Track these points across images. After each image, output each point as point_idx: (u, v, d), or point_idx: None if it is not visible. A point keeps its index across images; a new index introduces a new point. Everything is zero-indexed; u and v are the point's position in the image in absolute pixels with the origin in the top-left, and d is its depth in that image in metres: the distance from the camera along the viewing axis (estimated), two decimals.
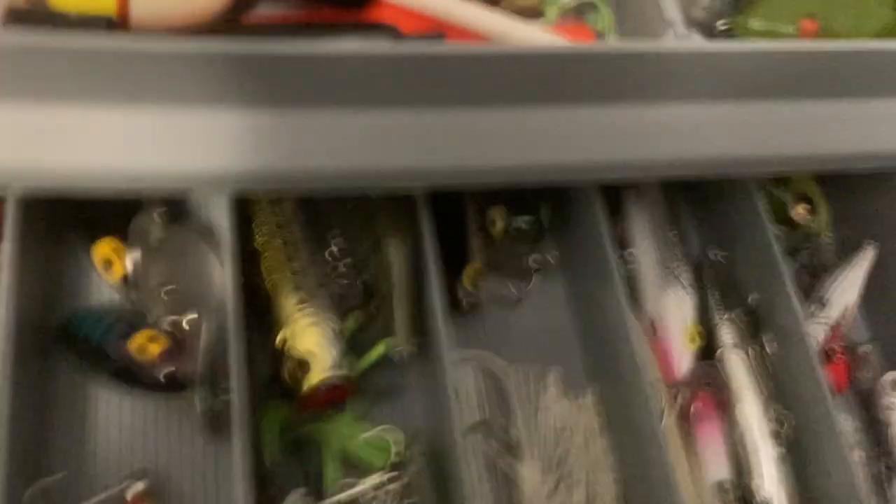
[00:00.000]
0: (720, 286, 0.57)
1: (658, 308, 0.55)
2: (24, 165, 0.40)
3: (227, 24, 0.44)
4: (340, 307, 0.52)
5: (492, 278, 0.59)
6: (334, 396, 0.50)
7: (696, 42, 0.44)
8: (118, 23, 0.38)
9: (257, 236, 0.53)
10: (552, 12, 0.49)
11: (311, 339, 0.49)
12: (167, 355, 0.47)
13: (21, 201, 0.46)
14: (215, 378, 0.47)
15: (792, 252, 0.61)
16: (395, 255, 0.53)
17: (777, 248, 0.54)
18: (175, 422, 0.50)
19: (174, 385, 0.47)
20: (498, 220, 0.57)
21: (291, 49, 0.38)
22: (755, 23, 0.49)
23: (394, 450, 0.48)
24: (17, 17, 0.38)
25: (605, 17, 0.49)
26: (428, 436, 0.51)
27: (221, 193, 0.49)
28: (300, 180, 0.44)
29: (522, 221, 0.57)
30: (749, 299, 0.56)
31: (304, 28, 0.43)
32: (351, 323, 0.52)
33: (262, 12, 0.46)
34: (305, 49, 0.39)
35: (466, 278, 0.55)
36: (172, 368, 0.47)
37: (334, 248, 0.55)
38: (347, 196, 0.55)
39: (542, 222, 0.57)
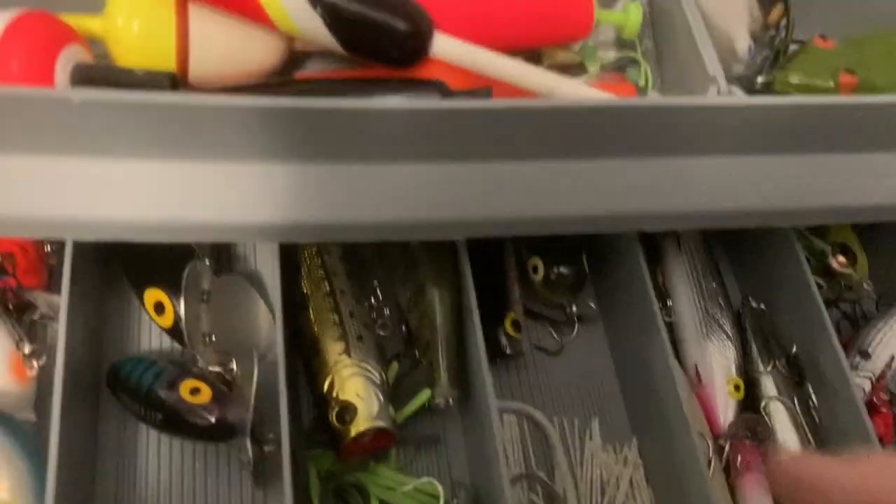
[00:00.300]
0: (762, 336, 0.57)
1: (700, 358, 0.55)
2: (82, 217, 0.42)
3: (280, 80, 0.46)
4: (383, 355, 0.53)
5: (533, 326, 0.59)
6: (377, 445, 0.50)
7: (739, 97, 0.45)
8: (179, 79, 0.39)
9: (303, 283, 0.53)
10: (594, 67, 0.51)
11: (355, 388, 0.49)
12: (215, 402, 0.47)
13: (76, 251, 0.48)
14: (261, 424, 0.48)
15: (832, 302, 0.61)
16: (438, 304, 0.54)
17: (819, 298, 0.53)
18: (222, 468, 0.51)
19: (222, 432, 0.47)
20: (539, 267, 0.58)
21: (340, 105, 0.40)
22: (794, 77, 0.50)
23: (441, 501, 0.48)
24: (85, 74, 0.40)
25: (645, 73, 0.50)
26: (471, 486, 0.51)
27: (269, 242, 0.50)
28: (347, 231, 0.45)
29: (563, 269, 0.57)
30: (792, 349, 0.56)
31: (355, 84, 0.44)
32: (393, 371, 0.53)
33: (314, 70, 0.48)
34: (355, 105, 0.40)
35: (508, 325, 0.55)
36: (221, 415, 0.47)
37: (377, 296, 0.56)
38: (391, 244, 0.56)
39: (583, 270, 0.57)
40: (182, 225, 0.42)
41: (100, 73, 0.40)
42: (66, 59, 0.40)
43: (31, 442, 0.46)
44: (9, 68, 0.38)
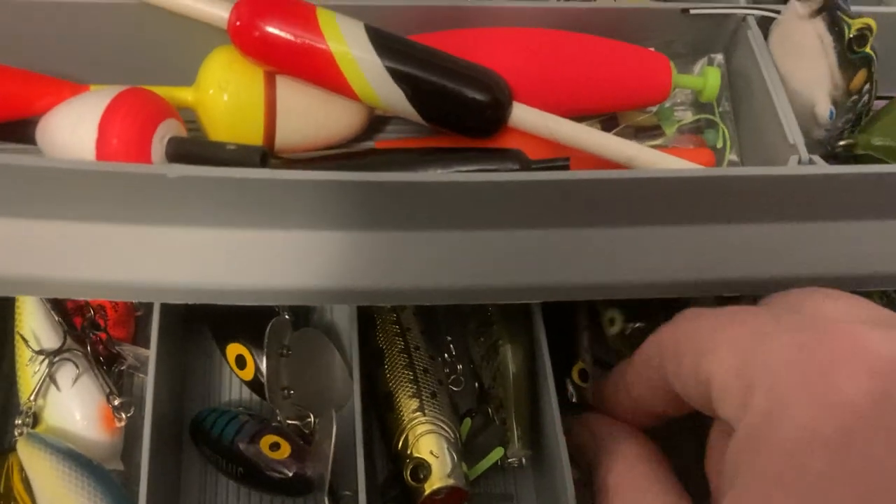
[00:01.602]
0: None
1: None
2: (171, 282, 0.44)
3: (363, 150, 0.47)
4: (456, 411, 0.53)
5: (600, 378, 0.59)
6: (450, 502, 0.51)
7: (820, 166, 0.44)
8: (268, 153, 0.41)
9: (378, 339, 0.54)
10: (671, 130, 0.51)
11: (429, 446, 0.50)
12: (294, 457, 0.48)
13: (164, 309, 0.50)
14: (337, 480, 0.49)
15: None
16: (511, 360, 0.54)
17: None
18: None
19: (300, 486, 0.48)
20: (616, 320, 0.57)
21: (423, 178, 0.41)
22: (877, 140, 0.49)
23: None
24: (180, 148, 0.41)
25: (723, 135, 0.50)
26: None
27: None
28: (423, 296, 0.46)
29: (641, 324, 0.57)
30: None
31: (435, 154, 0.45)
32: (466, 427, 0.53)
33: (394, 139, 0.49)
34: (437, 178, 0.41)
35: (575, 374, 0.55)
36: (300, 470, 0.48)
37: (450, 352, 0.57)
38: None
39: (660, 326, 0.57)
40: (266, 290, 0.44)
41: (193, 147, 0.41)
42: (163, 133, 0.42)
43: (119, 491, 0.47)
44: (109, 143, 0.40)
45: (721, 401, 0.32)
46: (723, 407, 0.32)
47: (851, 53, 0.46)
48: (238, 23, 0.42)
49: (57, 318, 0.51)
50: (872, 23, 0.46)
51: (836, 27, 0.46)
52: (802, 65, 0.48)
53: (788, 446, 0.28)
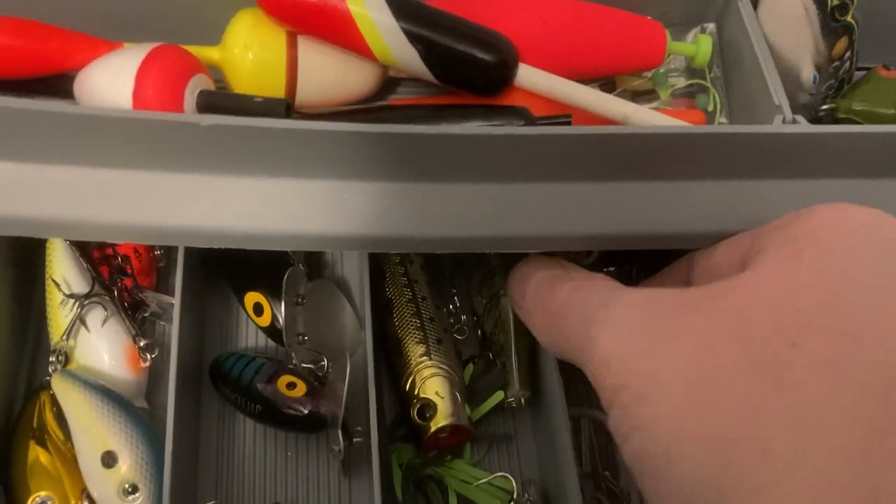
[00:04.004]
0: None
1: None
2: (198, 227, 0.46)
3: (379, 105, 0.50)
4: (460, 357, 0.57)
5: None
6: (454, 441, 0.54)
7: (803, 125, 0.48)
8: (293, 106, 0.44)
9: (387, 289, 0.58)
10: (665, 93, 0.54)
11: (435, 387, 0.53)
12: (309, 396, 0.52)
13: (187, 257, 0.53)
14: (349, 418, 0.52)
15: None
16: (512, 311, 0.58)
17: None
18: (312, 456, 0.55)
19: (314, 423, 0.52)
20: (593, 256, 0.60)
21: (435, 130, 0.43)
22: (858, 104, 0.53)
23: (513, 495, 0.52)
24: (209, 100, 0.44)
25: (714, 99, 0.53)
26: (541, 482, 0.55)
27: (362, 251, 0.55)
28: (429, 244, 0.49)
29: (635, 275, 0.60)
30: None
31: (446, 110, 0.48)
32: (469, 372, 0.57)
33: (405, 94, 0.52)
34: (448, 130, 0.44)
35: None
36: (314, 408, 0.51)
37: (455, 303, 0.60)
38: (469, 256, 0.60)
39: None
40: (287, 235, 0.47)
41: (222, 99, 0.44)
42: (194, 87, 0.45)
43: (147, 425, 0.51)
44: (145, 94, 0.43)
45: None
46: None
47: (833, 22, 0.49)
48: None
49: (85, 265, 0.54)
50: None
51: None
52: (788, 33, 0.51)
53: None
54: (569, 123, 0.46)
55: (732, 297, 0.28)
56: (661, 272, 0.46)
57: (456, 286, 0.61)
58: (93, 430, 0.48)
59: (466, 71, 0.47)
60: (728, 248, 0.37)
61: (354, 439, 0.52)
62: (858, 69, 0.54)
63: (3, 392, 0.53)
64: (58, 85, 0.49)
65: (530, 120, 0.47)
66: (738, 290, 0.29)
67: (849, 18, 0.49)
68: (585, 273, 0.42)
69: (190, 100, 0.44)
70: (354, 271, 0.61)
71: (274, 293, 0.56)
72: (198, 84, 0.45)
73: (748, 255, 0.32)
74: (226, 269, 0.59)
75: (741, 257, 0.33)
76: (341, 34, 0.46)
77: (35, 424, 0.51)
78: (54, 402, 0.51)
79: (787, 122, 0.48)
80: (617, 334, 0.31)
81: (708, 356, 0.27)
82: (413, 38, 0.45)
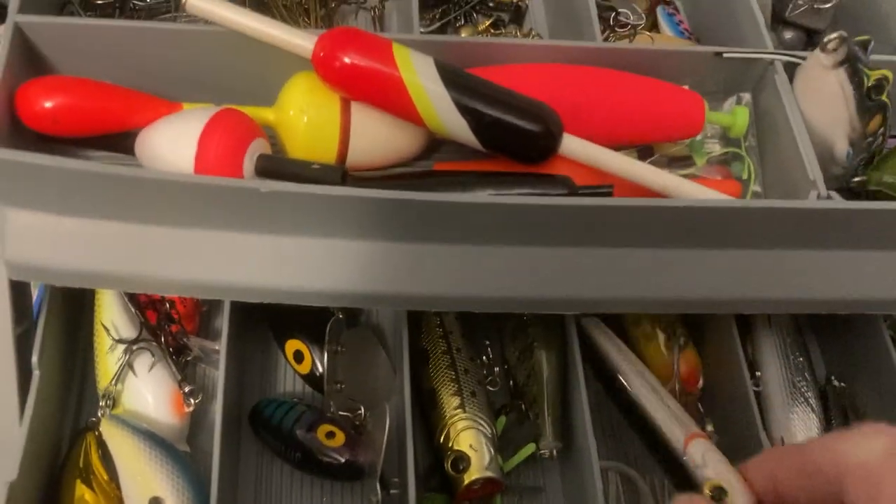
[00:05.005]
0: (842, 415, 0.60)
1: (786, 427, 0.59)
2: (245, 283, 0.48)
3: (425, 171, 0.52)
4: (492, 409, 0.58)
5: None
6: (486, 491, 0.55)
7: (837, 202, 0.49)
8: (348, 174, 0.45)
9: (423, 340, 0.59)
10: (701, 161, 0.55)
11: (469, 440, 0.55)
12: (348, 445, 0.53)
13: (233, 307, 0.55)
14: (385, 468, 0.54)
15: None
16: (545, 362, 0.59)
17: None
18: None
19: (352, 472, 0.53)
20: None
21: (480, 199, 0.45)
22: (888, 177, 0.54)
23: None
24: (268, 165, 0.46)
25: (749, 168, 0.55)
26: None
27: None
28: (468, 304, 0.51)
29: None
30: None
31: (491, 178, 0.49)
32: (501, 423, 0.58)
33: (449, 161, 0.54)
34: (492, 200, 0.45)
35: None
36: (353, 457, 0.53)
37: (488, 354, 0.62)
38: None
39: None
40: (330, 293, 0.49)
41: (281, 165, 0.46)
42: (253, 151, 0.46)
43: (191, 469, 0.52)
44: (207, 158, 0.45)
45: None
46: None
47: (869, 101, 0.51)
48: (322, 53, 0.46)
49: (133, 310, 0.56)
50: (889, 74, 0.51)
51: (856, 77, 0.51)
52: (823, 108, 0.53)
53: None
54: (611, 194, 0.47)
55: None
56: None
57: (488, 336, 0.63)
58: (140, 476, 0.50)
59: (513, 141, 0.49)
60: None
61: (392, 491, 0.54)
62: (892, 137, 0.56)
63: (52, 433, 0.54)
64: (117, 143, 0.51)
65: (573, 189, 0.48)
66: None
67: (884, 97, 0.51)
68: None
69: (249, 164, 0.46)
70: (388, 318, 0.63)
71: (314, 341, 0.57)
72: (257, 148, 0.47)
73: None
74: (267, 318, 0.60)
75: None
76: (394, 102, 0.48)
77: (81, 464, 0.53)
78: (100, 443, 0.53)
79: (821, 198, 0.49)
80: None
81: None
82: (463, 109, 0.47)
